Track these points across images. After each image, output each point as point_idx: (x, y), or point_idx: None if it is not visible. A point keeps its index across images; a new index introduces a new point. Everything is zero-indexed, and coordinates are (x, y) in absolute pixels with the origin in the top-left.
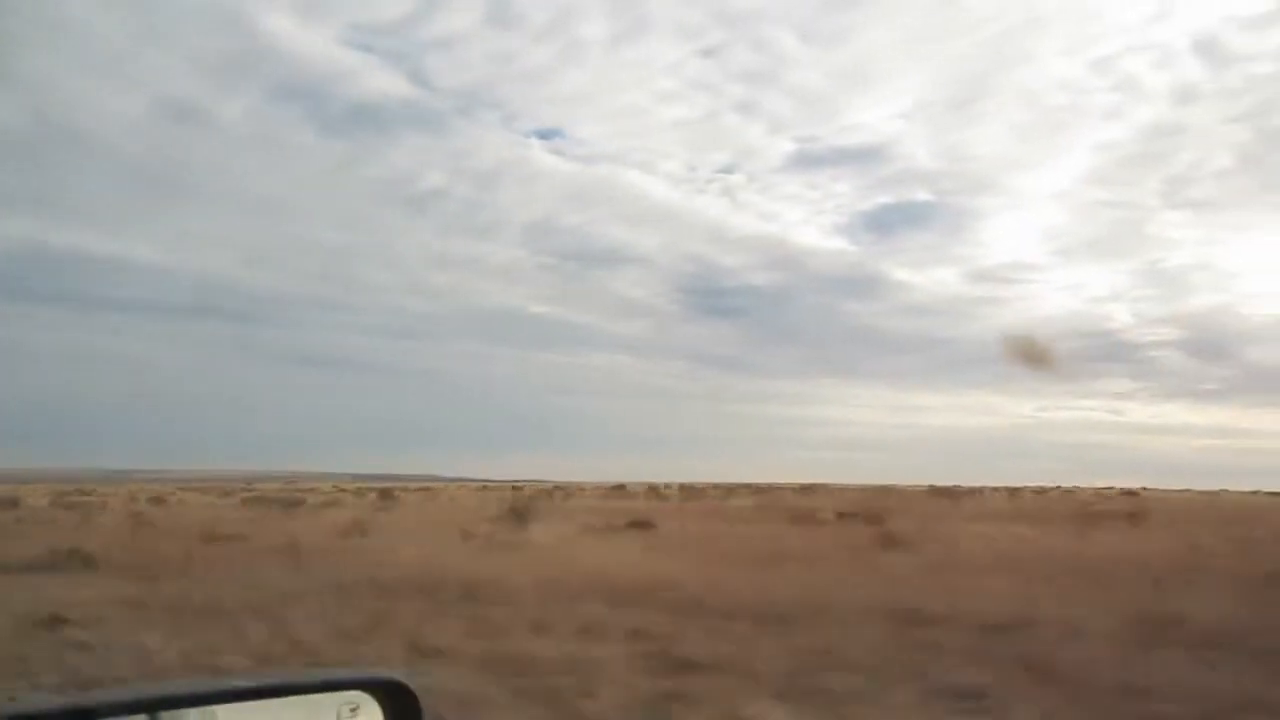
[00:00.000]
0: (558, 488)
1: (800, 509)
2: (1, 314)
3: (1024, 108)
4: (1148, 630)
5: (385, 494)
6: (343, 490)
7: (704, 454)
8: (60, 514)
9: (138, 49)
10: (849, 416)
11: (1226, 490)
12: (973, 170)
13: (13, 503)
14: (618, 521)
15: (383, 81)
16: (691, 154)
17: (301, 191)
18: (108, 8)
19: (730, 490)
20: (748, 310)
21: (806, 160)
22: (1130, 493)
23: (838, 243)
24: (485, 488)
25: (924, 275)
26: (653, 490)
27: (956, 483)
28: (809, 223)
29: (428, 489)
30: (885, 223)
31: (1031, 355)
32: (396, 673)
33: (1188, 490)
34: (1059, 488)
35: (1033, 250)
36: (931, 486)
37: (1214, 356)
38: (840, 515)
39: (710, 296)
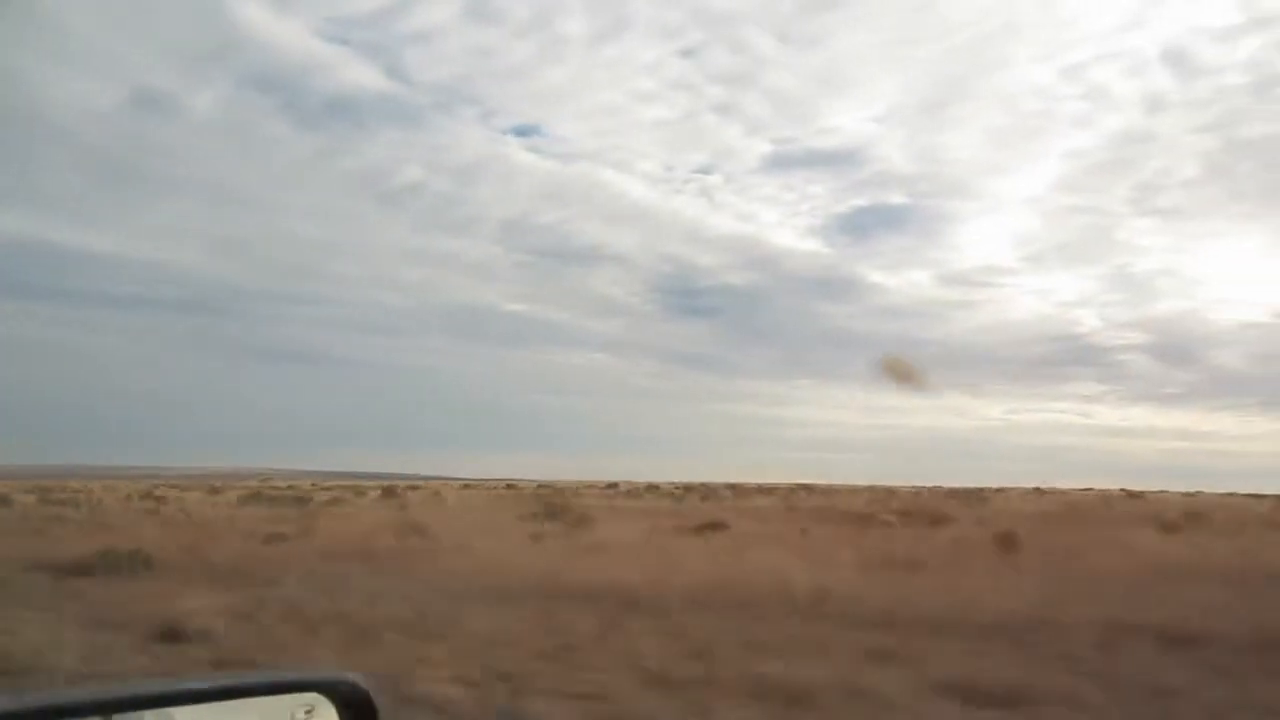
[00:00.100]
0: (543, 485)
1: (848, 510)
2: None
3: (997, 113)
4: None
5: (389, 492)
6: (329, 489)
7: (679, 453)
8: (66, 511)
9: (107, 37)
10: (823, 417)
11: (1202, 491)
12: (947, 174)
13: (2, 500)
14: (682, 522)
15: (359, 74)
16: (669, 154)
17: (275, 184)
18: None
19: (721, 490)
20: (724, 310)
21: (783, 162)
22: (1133, 494)
23: (813, 244)
24: (468, 486)
25: (898, 278)
26: (654, 489)
27: (925, 483)
28: (785, 224)
29: (415, 488)
30: (860, 225)
31: (901, 374)
32: (352, 674)
33: (1165, 491)
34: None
35: (1005, 254)
36: (925, 488)
37: (1179, 361)
38: (902, 515)
39: (687, 296)
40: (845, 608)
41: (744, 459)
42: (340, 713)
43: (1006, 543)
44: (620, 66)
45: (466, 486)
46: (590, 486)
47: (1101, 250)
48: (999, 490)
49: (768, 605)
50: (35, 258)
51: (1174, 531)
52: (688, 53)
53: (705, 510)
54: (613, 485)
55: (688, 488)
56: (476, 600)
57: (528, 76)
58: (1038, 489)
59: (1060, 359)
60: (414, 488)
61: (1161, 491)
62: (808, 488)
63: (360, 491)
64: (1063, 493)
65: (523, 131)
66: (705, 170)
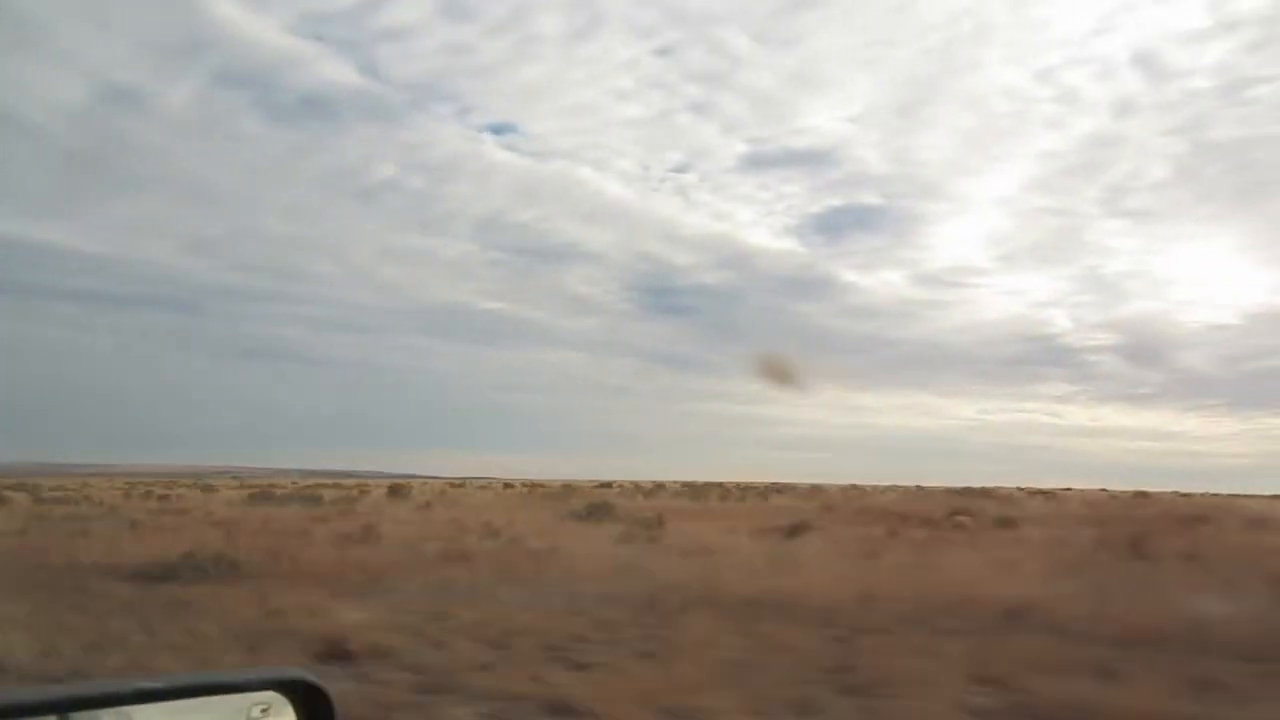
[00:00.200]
0: (535, 485)
1: (906, 512)
2: None
3: (971, 115)
4: None
5: (396, 490)
6: (327, 487)
7: (655, 453)
8: (74, 510)
9: (77, 32)
10: (797, 416)
11: (1181, 492)
12: (921, 175)
13: None
14: (758, 523)
15: (333, 71)
16: (645, 152)
17: (248, 180)
18: None
19: (732, 490)
20: (699, 309)
21: (759, 161)
22: (1142, 493)
23: (788, 244)
24: (453, 485)
25: (872, 278)
26: (660, 488)
27: (898, 482)
28: (760, 223)
29: (403, 486)
30: (835, 225)
31: (777, 372)
32: (308, 672)
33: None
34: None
35: (977, 255)
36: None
37: (1149, 362)
38: (951, 514)
39: (663, 295)
40: (1079, 623)
41: (720, 458)
42: (297, 711)
43: (1136, 545)
44: (596, 65)
45: (455, 485)
46: (584, 485)
47: (1073, 251)
48: (991, 490)
49: (991, 619)
50: (3, 253)
51: None
52: (664, 51)
53: (755, 510)
54: (606, 485)
55: (692, 486)
56: (645, 608)
57: (503, 74)
58: (1041, 491)
59: (1032, 359)
60: (400, 486)
61: (1179, 493)
62: (785, 488)
63: (363, 490)
64: (1080, 493)
65: (499, 129)
66: (681, 169)
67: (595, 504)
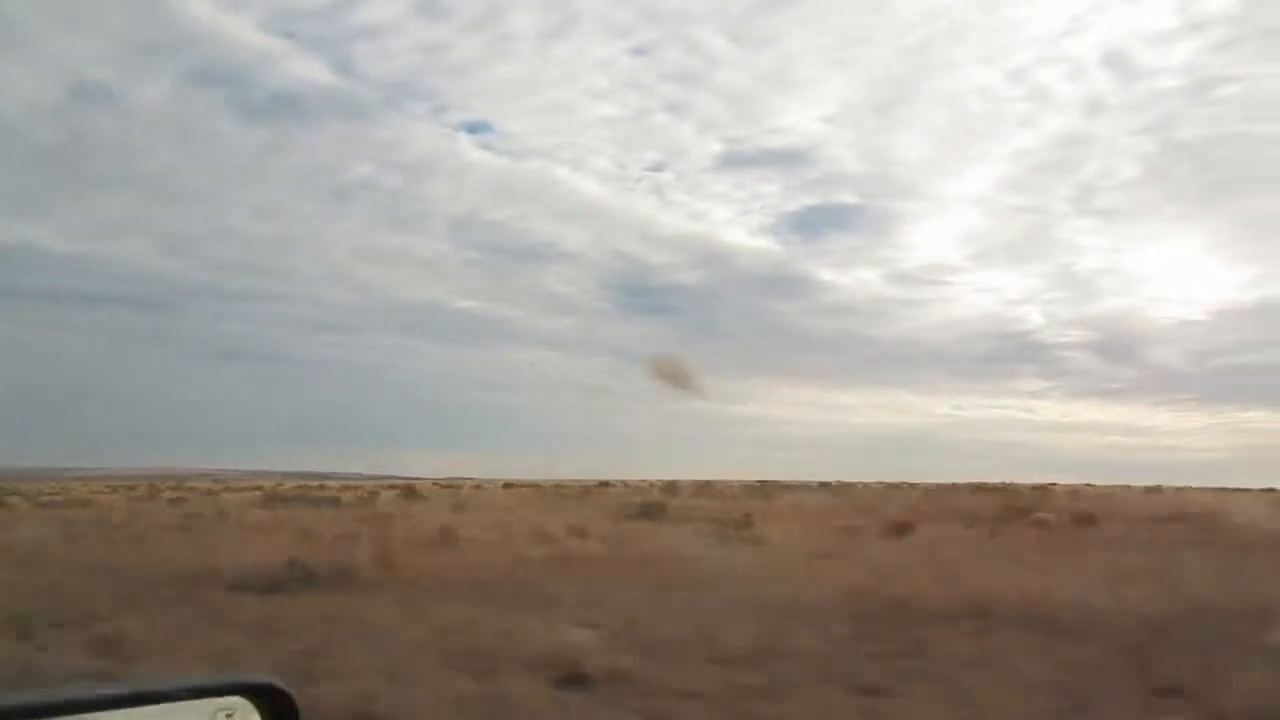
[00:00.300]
0: (536, 485)
1: (965, 509)
2: None
3: (945, 114)
4: None
5: (409, 491)
6: (314, 489)
7: (636, 451)
8: (83, 514)
9: (45, 28)
10: (774, 414)
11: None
12: (896, 174)
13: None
14: (849, 522)
15: (306, 69)
16: (621, 151)
17: (221, 179)
18: None
19: (735, 487)
20: (676, 308)
21: (735, 160)
22: (1153, 490)
23: (765, 242)
24: (442, 485)
25: (848, 276)
26: (673, 486)
27: (874, 479)
28: (736, 222)
29: (393, 486)
30: (811, 224)
31: (671, 375)
32: (272, 676)
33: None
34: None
35: (952, 253)
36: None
37: (1121, 357)
38: (1018, 511)
39: (639, 294)
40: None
41: (700, 457)
42: (263, 716)
43: (1246, 548)
44: (572, 64)
45: (449, 484)
46: (581, 485)
47: (1045, 249)
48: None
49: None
50: None
51: None
52: (639, 51)
53: (817, 510)
54: (604, 484)
55: (701, 485)
56: (855, 619)
57: (478, 73)
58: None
59: (1006, 356)
60: (412, 487)
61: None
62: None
63: (374, 491)
64: (1093, 488)
65: (474, 128)
66: (657, 168)
67: (649, 504)
